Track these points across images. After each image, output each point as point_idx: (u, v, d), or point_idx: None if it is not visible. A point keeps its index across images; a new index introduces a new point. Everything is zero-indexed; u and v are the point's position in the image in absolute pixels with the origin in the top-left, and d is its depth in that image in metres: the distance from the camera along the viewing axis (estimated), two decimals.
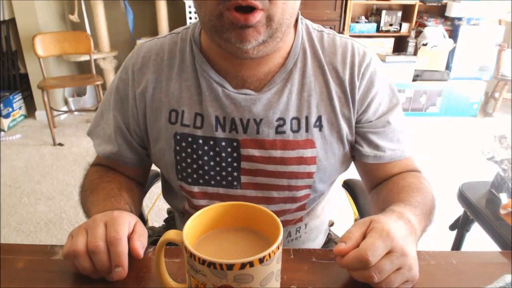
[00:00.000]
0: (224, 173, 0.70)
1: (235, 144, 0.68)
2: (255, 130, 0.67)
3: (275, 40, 0.60)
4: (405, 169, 0.73)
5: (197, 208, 0.74)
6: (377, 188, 0.74)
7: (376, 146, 0.70)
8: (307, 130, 0.67)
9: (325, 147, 0.69)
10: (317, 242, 0.85)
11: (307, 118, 0.67)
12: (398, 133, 0.71)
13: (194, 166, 0.70)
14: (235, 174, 0.70)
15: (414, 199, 0.62)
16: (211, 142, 0.68)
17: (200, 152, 0.69)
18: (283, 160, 0.68)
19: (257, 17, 0.55)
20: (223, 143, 0.68)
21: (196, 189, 0.72)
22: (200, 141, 0.68)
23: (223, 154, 0.69)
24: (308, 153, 0.68)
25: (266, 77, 0.67)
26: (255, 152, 0.68)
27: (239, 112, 0.67)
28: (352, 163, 0.77)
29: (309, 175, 0.70)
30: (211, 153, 0.69)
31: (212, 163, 0.69)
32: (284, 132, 0.67)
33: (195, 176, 0.71)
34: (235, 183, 0.71)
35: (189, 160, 0.70)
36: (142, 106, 0.70)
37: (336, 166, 0.72)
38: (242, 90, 0.67)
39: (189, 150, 0.69)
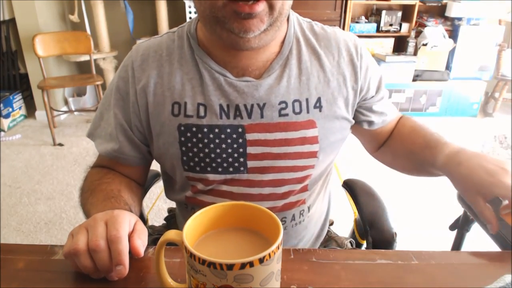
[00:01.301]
0: (230, 160, 0.71)
1: (240, 130, 0.70)
2: (259, 115, 0.70)
3: (273, 29, 0.63)
4: (395, 120, 0.87)
5: (203, 192, 0.75)
6: (386, 145, 0.87)
7: (381, 113, 0.82)
8: (308, 111, 0.71)
9: (326, 126, 0.72)
10: (316, 228, 0.87)
11: (307, 100, 0.71)
12: (388, 99, 0.85)
13: (201, 155, 0.71)
14: (242, 159, 0.71)
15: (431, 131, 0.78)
16: (216, 130, 0.70)
17: (206, 140, 0.70)
18: (287, 142, 0.71)
19: (261, 6, 0.58)
20: (228, 130, 0.70)
21: (203, 176, 0.73)
22: (205, 129, 0.70)
23: (229, 141, 0.70)
24: (310, 133, 0.71)
25: (265, 65, 0.71)
26: (260, 136, 0.70)
27: (242, 98, 0.69)
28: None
29: (313, 154, 0.73)
30: (217, 141, 0.70)
31: (218, 150, 0.71)
32: (287, 115, 0.70)
33: (202, 164, 0.72)
34: (241, 168, 0.72)
35: (195, 150, 0.71)
36: (144, 101, 0.72)
37: (336, 143, 0.76)
38: (243, 78, 0.70)
39: (194, 140, 0.71)
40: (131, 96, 0.72)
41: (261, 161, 0.72)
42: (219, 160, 0.71)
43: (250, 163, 0.72)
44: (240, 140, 0.70)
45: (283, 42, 0.72)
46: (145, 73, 0.72)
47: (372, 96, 0.79)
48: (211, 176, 0.73)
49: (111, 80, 0.77)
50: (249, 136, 0.70)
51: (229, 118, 0.70)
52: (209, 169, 0.72)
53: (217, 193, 0.75)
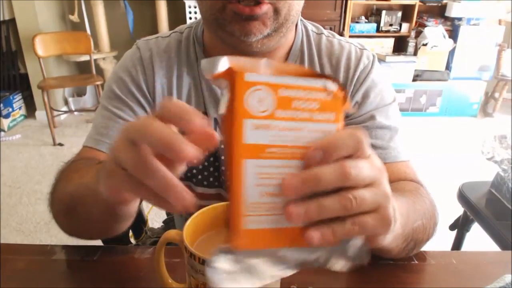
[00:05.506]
0: (223, 177, 0.70)
1: None
2: None
3: (279, 35, 0.59)
4: (403, 177, 0.65)
5: (199, 207, 0.73)
6: None
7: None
8: None
9: None
10: None
11: None
12: (388, 131, 0.66)
13: (200, 167, 0.70)
14: None
15: (402, 195, 0.53)
16: None
17: (206, 153, 0.68)
18: None
19: (264, 9, 0.54)
20: (223, 146, 0.68)
21: (199, 190, 0.72)
22: None
23: (223, 157, 0.69)
24: None
25: None
26: None
27: None
28: None
29: None
30: (216, 155, 0.69)
31: (216, 164, 0.70)
32: None
33: (200, 177, 0.71)
34: None
35: (194, 161, 0.69)
36: (152, 99, 0.68)
37: None
38: None
39: None
40: (144, 87, 0.67)
41: None
42: (216, 174, 0.70)
43: None
44: None
45: (288, 54, 0.67)
46: (154, 71, 0.68)
47: (359, 116, 0.66)
48: (207, 190, 0.71)
49: (107, 84, 0.70)
50: None
51: None
52: (205, 182, 0.71)
53: None
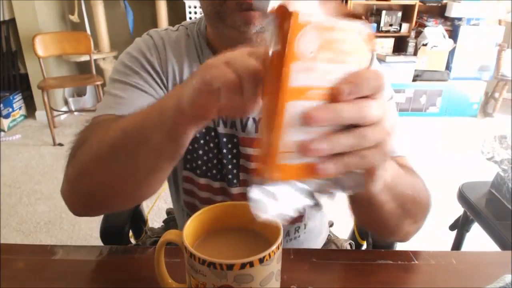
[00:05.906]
0: (225, 171, 0.71)
1: (235, 140, 0.69)
2: (253, 129, 0.68)
3: None
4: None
5: (200, 199, 0.74)
6: None
7: None
8: None
9: None
10: (317, 243, 0.85)
11: None
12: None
13: (205, 158, 0.70)
14: (235, 171, 0.71)
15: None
16: (220, 136, 0.69)
17: (211, 145, 0.69)
18: None
19: None
20: (224, 139, 0.69)
21: (202, 181, 0.72)
22: (213, 133, 0.69)
23: (224, 151, 0.69)
24: None
25: None
26: (252, 152, 0.69)
27: None
28: None
29: None
30: (219, 147, 0.70)
31: (219, 157, 0.70)
32: None
33: (204, 168, 0.71)
34: (234, 180, 0.71)
35: (200, 152, 0.70)
36: (165, 82, 0.68)
37: None
38: None
39: (202, 141, 0.70)
40: (158, 68, 0.67)
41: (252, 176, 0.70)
42: (219, 166, 0.71)
43: (242, 176, 0.71)
44: (235, 151, 0.69)
45: None
46: (167, 57, 0.68)
47: None
48: (209, 181, 0.72)
49: (119, 64, 0.69)
50: (243, 150, 0.69)
51: (226, 127, 0.69)
52: (209, 174, 0.71)
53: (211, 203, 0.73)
